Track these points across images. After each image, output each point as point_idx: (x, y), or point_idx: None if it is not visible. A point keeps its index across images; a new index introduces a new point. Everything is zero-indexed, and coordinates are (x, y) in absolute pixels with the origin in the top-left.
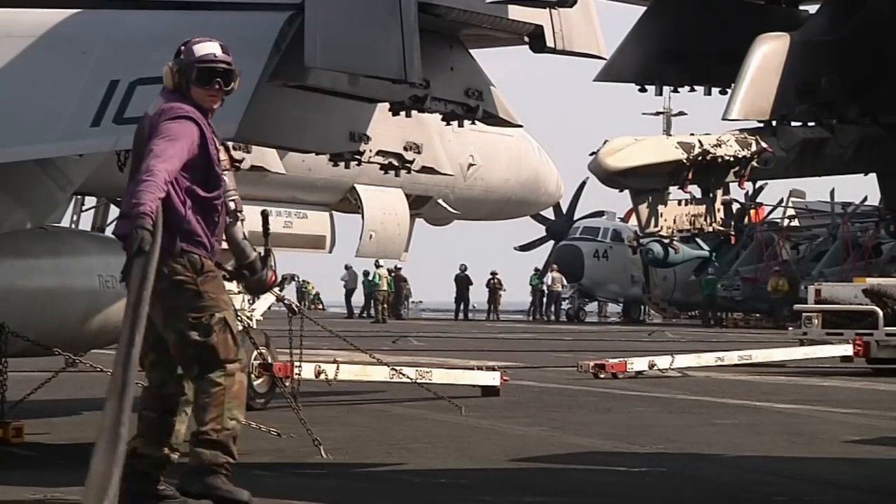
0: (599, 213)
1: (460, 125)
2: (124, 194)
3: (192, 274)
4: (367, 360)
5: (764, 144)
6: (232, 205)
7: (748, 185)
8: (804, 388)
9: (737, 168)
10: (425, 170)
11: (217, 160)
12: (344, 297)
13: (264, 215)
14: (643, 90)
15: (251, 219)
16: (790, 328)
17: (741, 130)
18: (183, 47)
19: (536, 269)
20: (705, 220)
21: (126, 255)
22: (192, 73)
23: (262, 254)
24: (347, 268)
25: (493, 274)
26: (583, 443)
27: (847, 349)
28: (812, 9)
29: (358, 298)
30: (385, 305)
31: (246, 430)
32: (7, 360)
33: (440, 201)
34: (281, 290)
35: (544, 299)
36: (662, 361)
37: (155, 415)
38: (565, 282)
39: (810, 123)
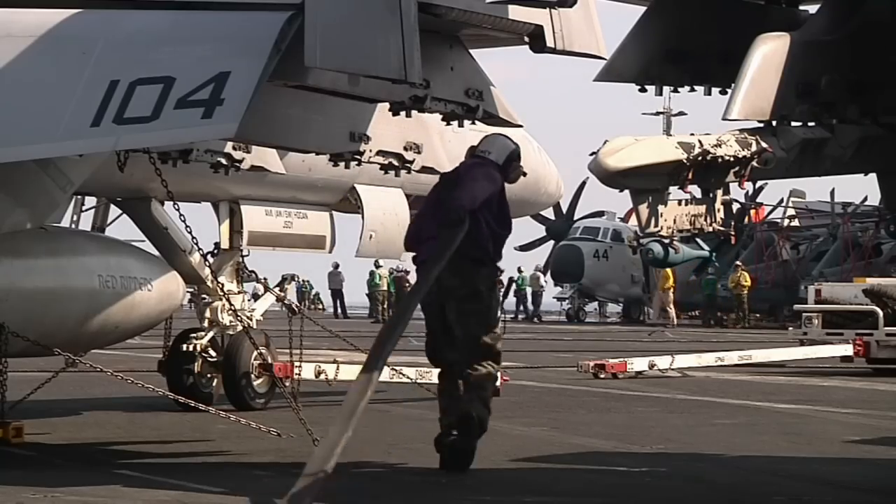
0: (599, 213)
1: (460, 125)
2: (418, 227)
3: (488, 289)
4: None
5: (764, 144)
6: None
7: (748, 185)
8: (804, 388)
9: (737, 168)
10: (425, 170)
11: (508, 209)
12: (331, 297)
13: (495, 337)
14: (643, 90)
15: (257, 220)
16: (790, 328)
17: (741, 130)
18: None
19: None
20: (705, 220)
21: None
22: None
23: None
24: (335, 266)
25: None
26: (583, 443)
27: (847, 349)
28: (812, 9)
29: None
30: (385, 306)
31: (246, 429)
32: (7, 360)
33: None
34: (281, 291)
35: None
36: (662, 361)
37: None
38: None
39: (810, 123)
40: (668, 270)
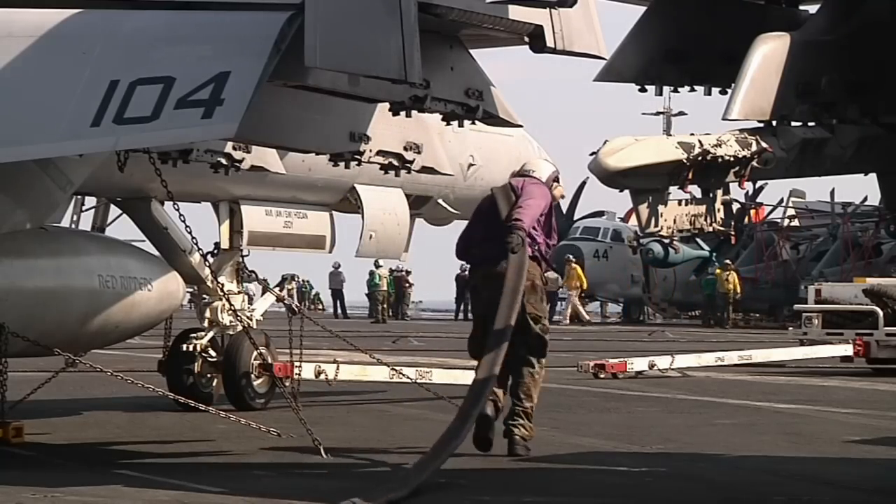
0: (599, 213)
1: (460, 125)
2: (475, 239)
3: (542, 286)
4: (367, 360)
5: (764, 144)
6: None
7: (748, 185)
8: (804, 388)
9: (737, 168)
10: (425, 170)
11: (555, 222)
12: (332, 297)
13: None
14: (643, 90)
15: (257, 220)
16: (790, 328)
17: (741, 130)
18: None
19: None
20: (705, 220)
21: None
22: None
23: None
24: (336, 266)
25: None
26: (583, 443)
27: (847, 349)
28: (812, 9)
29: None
30: (385, 306)
31: (246, 429)
32: (7, 360)
33: (440, 201)
34: (281, 291)
35: None
36: (662, 361)
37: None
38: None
39: (810, 123)
40: (578, 269)
